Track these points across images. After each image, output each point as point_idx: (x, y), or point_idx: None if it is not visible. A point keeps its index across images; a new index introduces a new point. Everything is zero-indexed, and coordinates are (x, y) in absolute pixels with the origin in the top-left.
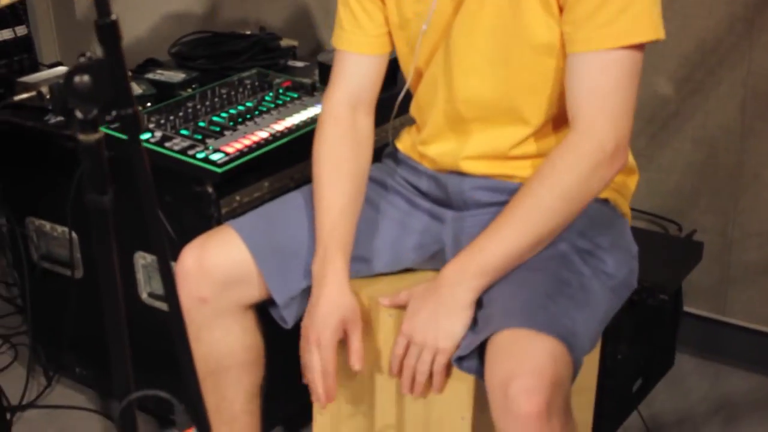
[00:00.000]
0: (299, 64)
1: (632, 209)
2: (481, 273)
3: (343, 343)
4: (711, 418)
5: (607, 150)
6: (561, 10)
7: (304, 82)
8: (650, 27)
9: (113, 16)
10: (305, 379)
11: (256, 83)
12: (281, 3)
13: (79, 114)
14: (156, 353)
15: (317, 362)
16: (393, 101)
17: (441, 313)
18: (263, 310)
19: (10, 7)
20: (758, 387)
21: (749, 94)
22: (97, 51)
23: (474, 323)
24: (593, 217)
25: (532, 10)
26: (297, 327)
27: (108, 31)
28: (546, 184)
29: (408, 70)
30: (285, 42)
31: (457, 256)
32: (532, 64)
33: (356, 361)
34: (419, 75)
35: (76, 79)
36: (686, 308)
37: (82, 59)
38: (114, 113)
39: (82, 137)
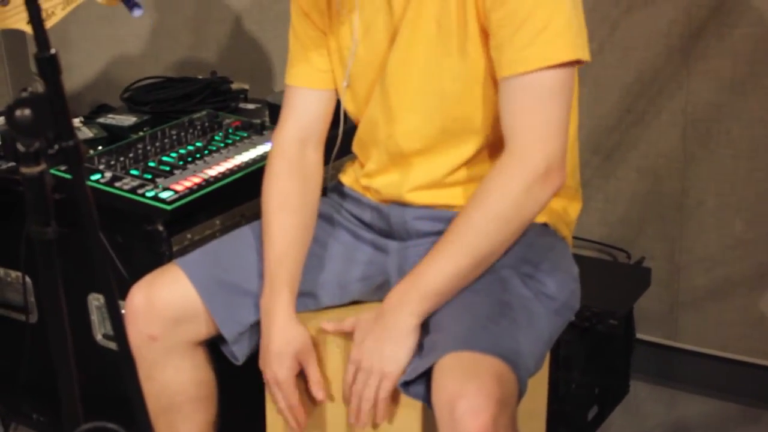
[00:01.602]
0: (250, 106)
1: (581, 239)
2: (422, 298)
3: (302, 374)
4: None
5: (539, 170)
6: (487, 37)
7: (254, 122)
8: (568, 47)
9: (52, 50)
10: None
11: (206, 124)
12: (234, 49)
13: (21, 147)
14: (110, 395)
15: (281, 399)
16: (333, 143)
17: (385, 339)
18: (215, 347)
19: None
20: (713, 411)
21: (689, 122)
22: None
23: (420, 349)
24: (532, 241)
25: (461, 42)
26: (249, 363)
27: (48, 65)
28: (479, 207)
29: (347, 107)
30: (236, 85)
31: (399, 283)
32: (463, 95)
33: (317, 392)
34: (359, 113)
35: (18, 112)
36: (639, 335)
37: (23, 94)
38: (56, 146)
39: (24, 170)
